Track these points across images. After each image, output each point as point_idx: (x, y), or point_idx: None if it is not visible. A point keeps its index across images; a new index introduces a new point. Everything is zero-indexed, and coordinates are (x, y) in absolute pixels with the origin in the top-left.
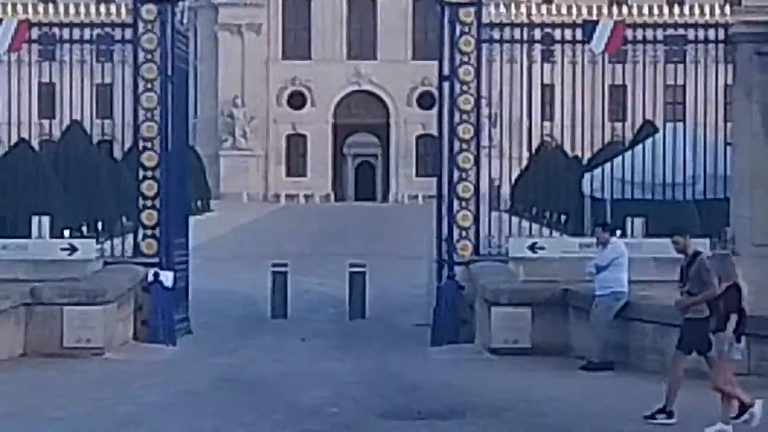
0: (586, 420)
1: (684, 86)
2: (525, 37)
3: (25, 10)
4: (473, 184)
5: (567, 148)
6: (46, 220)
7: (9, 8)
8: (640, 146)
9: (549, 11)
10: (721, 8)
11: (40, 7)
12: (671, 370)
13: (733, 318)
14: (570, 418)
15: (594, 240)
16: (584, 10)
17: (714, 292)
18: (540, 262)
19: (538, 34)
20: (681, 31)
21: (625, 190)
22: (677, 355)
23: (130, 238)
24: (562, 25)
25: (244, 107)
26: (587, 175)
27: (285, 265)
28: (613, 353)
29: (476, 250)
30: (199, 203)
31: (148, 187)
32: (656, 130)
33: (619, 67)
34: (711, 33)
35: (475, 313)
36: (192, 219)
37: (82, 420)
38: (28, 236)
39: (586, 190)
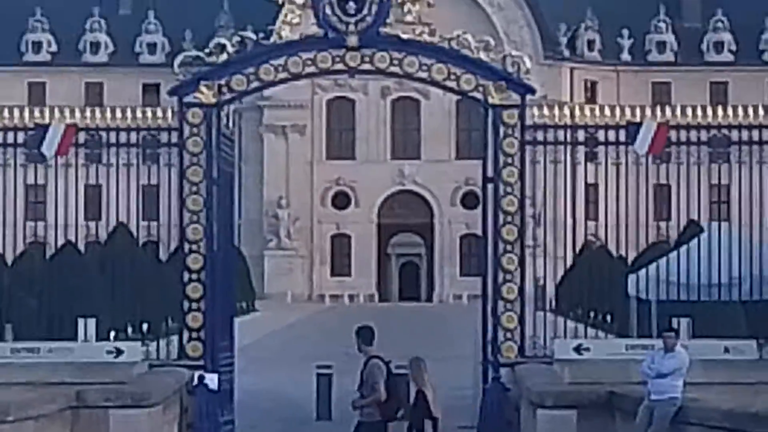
0: None
1: (729, 186)
2: (569, 138)
3: (73, 115)
4: (518, 286)
5: (612, 247)
6: (92, 322)
7: (57, 113)
8: (685, 246)
9: (592, 112)
10: (765, 109)
11: (87, 112)
12: None
13: (428, 424)
14: None
15: (642, 341)
16: (627, 112)
17: (378, 397)
18: (585, 364)
19: (581, 135)
20: (725, 132)
21: (670, 290)
22: None
23: (175, 340)
24: (606, 127)
25: (289, 208)
26: (632, 276)
27: (330, 366)
28: None
29: (521, 351)
30: (244, 304)
31: (194, 290)
32: (701, 230)
33: (663, 166)
34: (755, 134)
35: (521, 415)
36: (237, 320)
37: None
38: (74, 339)
39: (632, 290)
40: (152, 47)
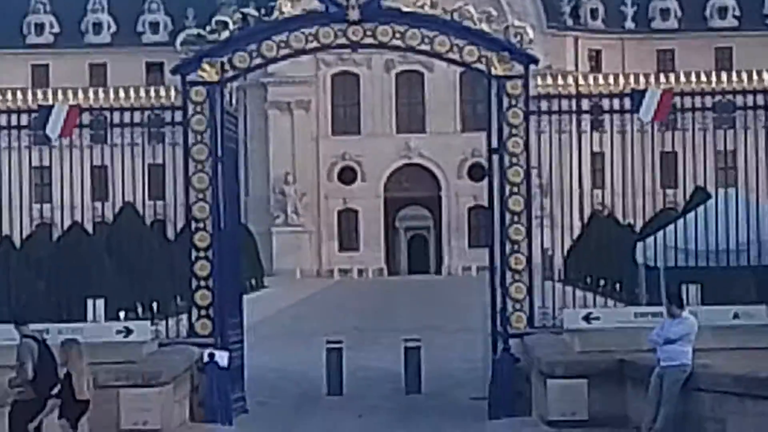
0: None
1: (735, 151)
2: (573, 107)
3: (76, 96)
4: (525, 256)
5: (619, 215)
6: (100, 302)
7: (60, 94)
8: (692, 213)
9: (596, 81)
10: None
11: (91, 92)
12: None
13: (57, 404)
14: None
15: (651, 309)
16: (632, 79)
17: (25, 377)
18: (595, 333)
19: (586, 104)
20: (730, 98)
21: (678, 257)
22: None
23: (184, 318)
24: (610, 95)
25: (295, 184)
26: (640, 244)
27: (340, 341)
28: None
29: (530, 321)
30: (252, 281)
31: (201, 268)
32: (708, 197)
33: (668, 133)
34: (760, 99)
35: (532, 385)
36: (246, 297)
37: None
38: (83, 319)
39: (640, 258)
40: (155, 26)
